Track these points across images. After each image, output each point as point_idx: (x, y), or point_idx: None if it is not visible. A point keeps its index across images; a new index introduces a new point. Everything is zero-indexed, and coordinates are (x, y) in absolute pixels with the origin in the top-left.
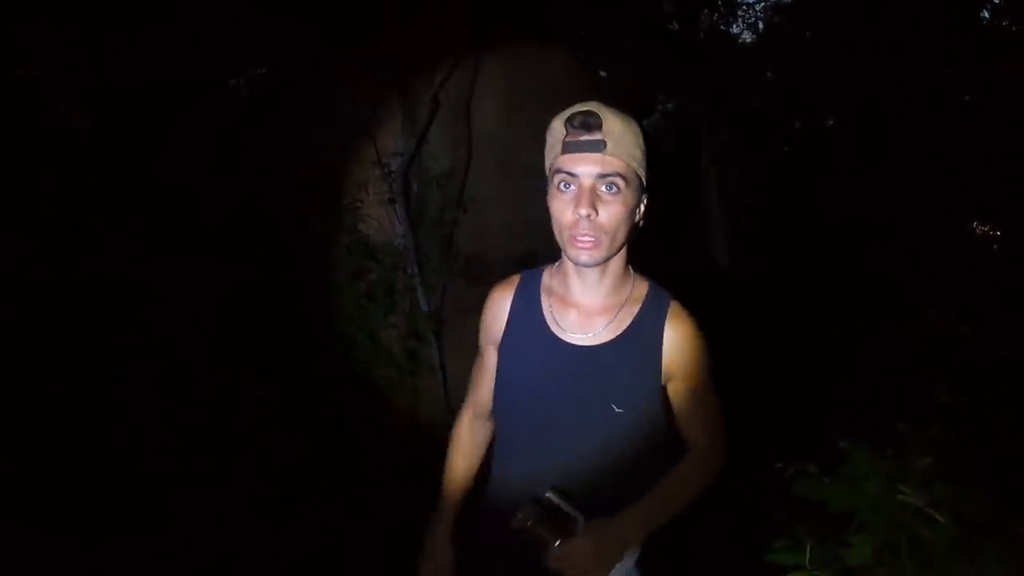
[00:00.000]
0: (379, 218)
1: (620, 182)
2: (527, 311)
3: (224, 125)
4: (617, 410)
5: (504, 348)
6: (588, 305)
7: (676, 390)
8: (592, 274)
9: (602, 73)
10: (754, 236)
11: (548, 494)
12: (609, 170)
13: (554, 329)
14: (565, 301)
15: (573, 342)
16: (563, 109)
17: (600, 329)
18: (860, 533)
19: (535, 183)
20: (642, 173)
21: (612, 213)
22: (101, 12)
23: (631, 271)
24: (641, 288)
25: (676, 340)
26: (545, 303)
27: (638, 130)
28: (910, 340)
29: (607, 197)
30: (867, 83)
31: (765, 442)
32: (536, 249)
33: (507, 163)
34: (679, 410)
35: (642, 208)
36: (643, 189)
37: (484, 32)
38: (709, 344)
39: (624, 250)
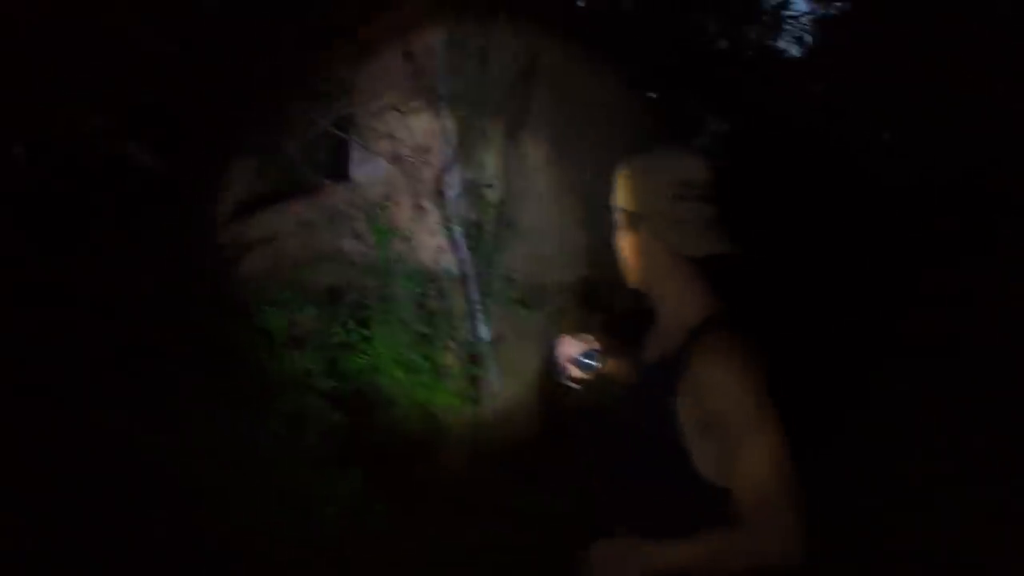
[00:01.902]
0: (438, 245)
1: (619, 221)
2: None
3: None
4: (640, 432)
5: None
6: (655, 329)
7: (714, 437)
8: (655, 301)
9: (651, 95)
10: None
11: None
12: (617, 208)
13: (644, 349)
14: (655, 325)
15: (644, 360)
16: (615, 135)
17: (653, 351)
18: None
19: (590, 210)
20: (629, 208)
21: (622, 247)
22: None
23: (692, 296)
24: (698, 317)
25: (698, 376)
26: (651, 327)
27: (629, 172)
28: None
29: (620, 232)
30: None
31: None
32: (592, 276)
33: (561, 190)
34: (720, 464)
35: (642, 238)
36: (636, 221)
37: (537, 60)
38: (754, 388)
39: (669, 274)
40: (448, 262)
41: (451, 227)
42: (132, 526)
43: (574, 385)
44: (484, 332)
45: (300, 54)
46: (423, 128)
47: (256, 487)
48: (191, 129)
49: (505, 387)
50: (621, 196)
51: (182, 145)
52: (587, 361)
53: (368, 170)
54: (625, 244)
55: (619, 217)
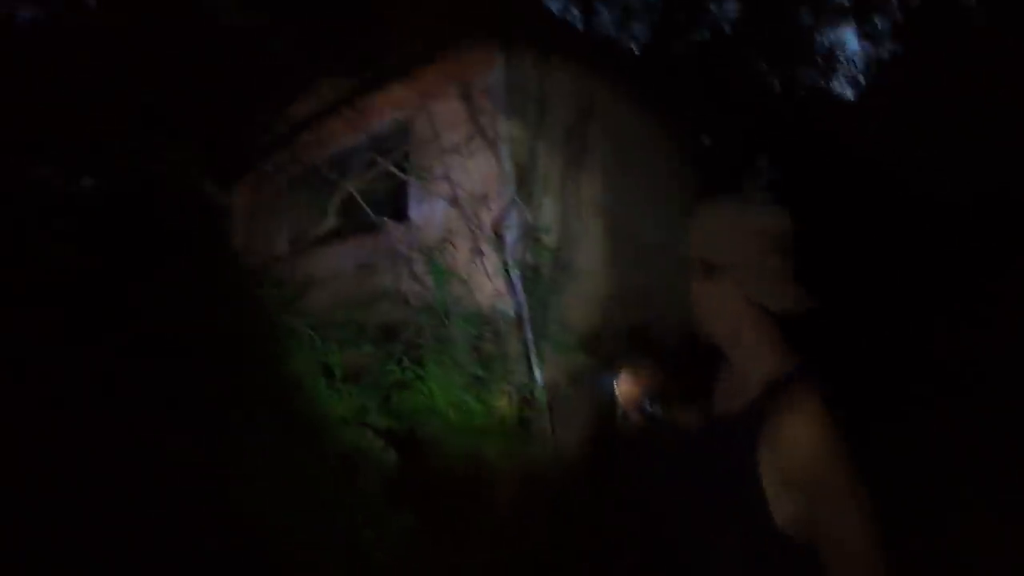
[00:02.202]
0: (494, 288)
1: (692, 271)
2: (715, 386)
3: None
4: (715, 486)
5: None
6: (729, 383)
7: (801, 496)
8: (725, 352)
9: (705, 141)
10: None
11: None
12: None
13: (714, 400)
14: (727, 377)
15: (715, 411)
16: (668, 180)
17: (728, 404)
18: None
19: (645, 255)
20: (709, 258)
21: (697, 296)
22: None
23: (770, 350)
24: (776, 370)
25: (779, 432)
26: (721, 379)
27: (712, 221)
28: None
29: (692, 285)
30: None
31: None
32: (647, 321)
33: (617, 234)
34: (810, 523)
35: (723, 289)
36: (719, 272)
37: (593, 104)
38: (839, 446)
39: (747, 327)
40: (504, 305)
41: (508, 270)
42: (182, 552)
43: (631, 427)
44: (538, 376)
45: (361, 95)
46: (481, 171)
47: (309, 522)
48: (255, 166)
49: (557, 432)
50: (701, 245)
51: (246, 182)
52: (649, 409)
53: (426, 211)
54: (702, 293)
55: (697, 266)
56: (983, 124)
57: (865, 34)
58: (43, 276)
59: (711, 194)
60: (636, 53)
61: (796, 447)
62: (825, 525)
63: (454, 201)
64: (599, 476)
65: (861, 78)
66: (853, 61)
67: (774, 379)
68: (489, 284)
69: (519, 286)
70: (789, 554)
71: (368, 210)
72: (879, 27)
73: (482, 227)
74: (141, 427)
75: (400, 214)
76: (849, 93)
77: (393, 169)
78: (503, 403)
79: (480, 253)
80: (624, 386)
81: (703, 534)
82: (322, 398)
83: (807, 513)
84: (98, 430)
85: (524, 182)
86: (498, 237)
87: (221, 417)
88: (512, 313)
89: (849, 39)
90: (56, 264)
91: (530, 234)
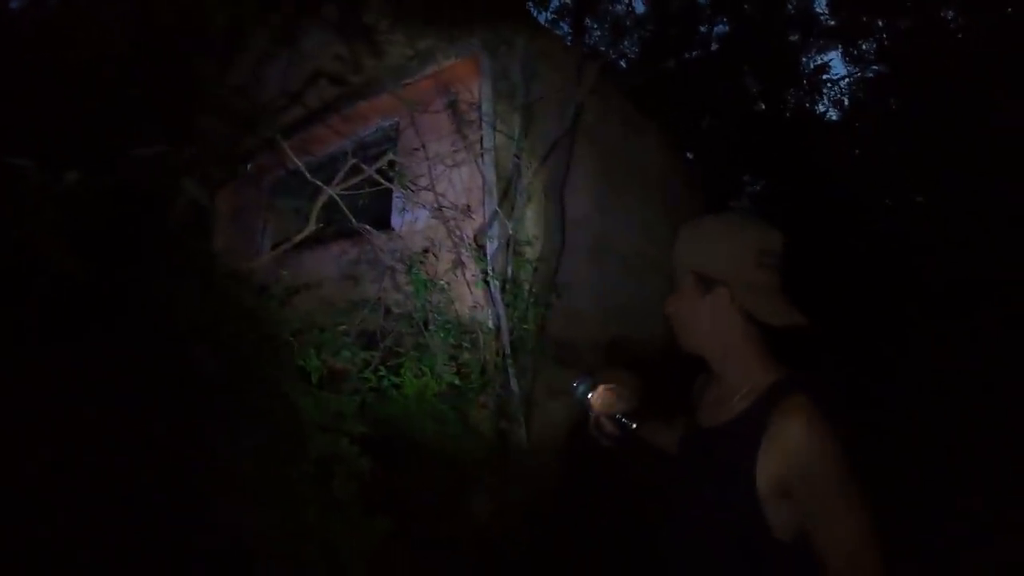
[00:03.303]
0: (474, 299)
1: (680, 283)
2: (697, 395)
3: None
4: (706, 496)
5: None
6: (716, 394)
7: (799, 502)
8: (715, 366)
9: (689, 155)
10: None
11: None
12: (675, 274)
13: (698, 413)
14: (711, 388)
15: (700, 423)
16: (653, 195)
17: (715, 417)
18: None
19: (627, 269)
20: (704, 271)
21: (677, 310)
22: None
23: (759, 362)
24: (767, 381)
25: (779, 439)
26: (706, 389)
27: (707, 234)
28: None
29: (677, 297)
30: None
31: None
32: (627, 335)
33: (600, 248)
34: (808, 526)
35: (715, 302)
36: (707, 285)
37: (580, 117)
38: (838, 450)
39: (737, 339)
40: (484, 316)
41: (489, 281)
42: (156, 553)
43: (605, 441)
44: (516, 387)
45: (345, 103)
46: (465, 181)
47: (281, 525)
48: (238, 167)
49: (534, 443)
50: (696, 257)
51: (227, 182)
52: (624, 421)
53: (409, 220)
54: (689, 306)
55: (687, 279)
56: (965, 145)
57: (851, 56)
58: (20, 270)
59: (697, 209)
60: (625, 68)
61: (796, 453)
62: (825, 529)
63: (437, 210)
64: (575, 488)
65: (846, 100)
66: (838, 83)
67: (767, 389)
68: (469, 294)
69: (499, 297)
70: (784, 560)
71: (350, 217)
72: (865, 50)
73: (464, 237)
74: (116, 427)
75: (383, 222)
76: (833, 114)
77: (377, 176)
78: (480, 413)
79: (461, 263)
80: (599, 398)
81: (697, 544)
82: (299, 403)
83: (805, 518)
84: (73, 429)
85: (507, 193)
86: (479, 248)
87: (198, 419)
88: (491, 324)
89: (835, 62)
90: (34, 259)
91: (511, 245)
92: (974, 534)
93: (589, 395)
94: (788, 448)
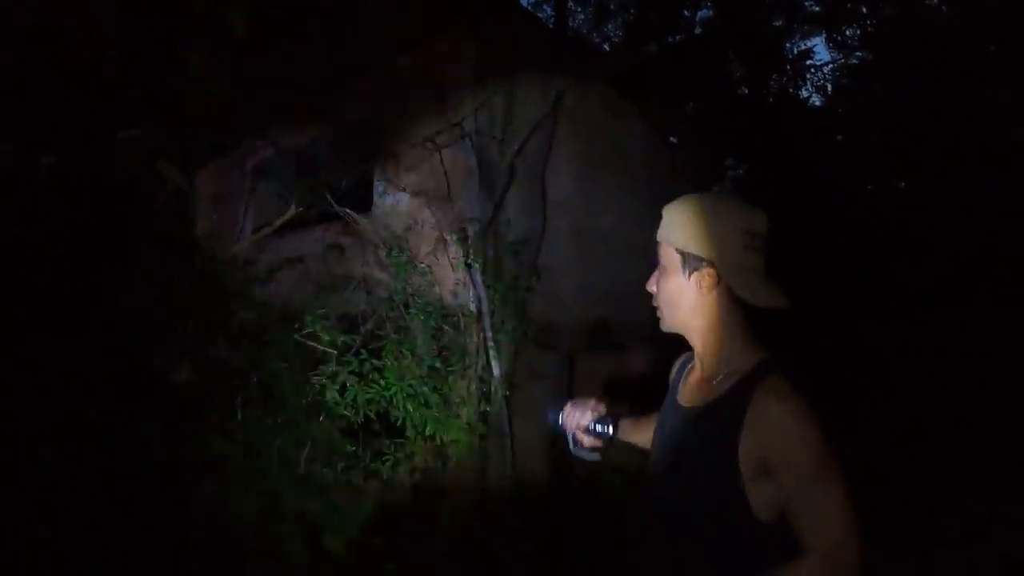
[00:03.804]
0: (455, 281)
1: (664, 261)
2: (676, 378)
3: (306, 183)
4: (687, 477)
5: (660, 412)
6: (698, 375)
7: (780, 480)
8: (696, 346)
9: (672, 139)
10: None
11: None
12: (659, 252)
13: (677, 395)
14: (692, 369)
15: (681, 404)
16: (635, 178)
17: (697, 398)
18: None
19: (608, 251)
20: (693, 250)
21: (660, 289)
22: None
23: (742, 343)
24: (749, 362)
25: (762, 418)
26: (685, 372)
27: (694, 214)
28: None
29: (662, 274)
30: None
31: None
32: (607, 317)
33: (581, 231)
34: (788, 506)
35: (698, 281)
36: (695, 264)
37: (561, 100)
38: (818, 428)
39: (721, 320)
40: (465, 298)
41: (470, 263)
42: (130, 532)
43: (588, 456)
44: (496, 369)
45: (330, 86)
46: (447, 164)
47: (262, 508)
48: (219, 150)
49: (515, 424)
50: (679, 236)
51: (209, 164)
52: (599, 429)
53: (392, 202)
54: (675, 285)
55: (672, 258)
56: (949, 132)
57: (835, 42)
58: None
59: (680, 193)
60: (608, 52)
61: (777, 433)
62: (805, 508)
63: (419, 193)
64: (557, 470)
65: (829, 86)
66: (822, 69)
67: (750, 369)
68: (451, 277)
69: (479, 279)
70: (764, 540)
71: (331, 201)
72: (849, 36)
73: (446, 220)
74: (99, 416)
75: (366, 204)
76: (817, 99)
77: (360, 160)
78: (461, 396)
79: (443, 246)
80: (570, 417)
81: (677, 525)
82: (279, 384)
83: (785, 498)
84: (57, 420)
85: (489, 176)
86: (461, 230)
87: (171, 396)
88: (473, 307)
89: (819, 47)
90: (11, 246)
91: (493, 228)
92: (968, 530)
93: (560, 416)
94: (769, 428)
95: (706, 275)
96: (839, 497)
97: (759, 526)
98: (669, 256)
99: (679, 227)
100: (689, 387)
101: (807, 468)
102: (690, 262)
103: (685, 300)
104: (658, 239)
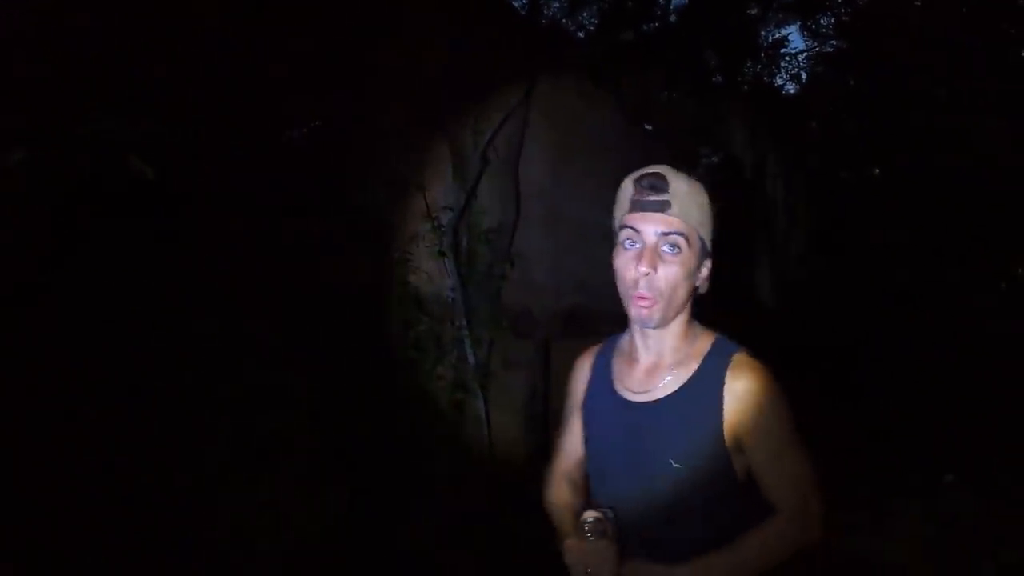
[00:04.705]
0: (429, 271)
1: (682, 242)
2: (603, 373)
3: (277, 178)
4: (675, 465)
5: (585, 412)
6: (651, 363)
7: (752, 448)
8: (653, 333)
9: (647, 127)
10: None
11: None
12: (672, 229)
13: (618, 388)
14: (632, 360)
15: (634, 400)
16: (609, 165)
17: (659, 386)
18: None
19: (582, 239)
20: (705, 236)
21: (670, 273)
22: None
23: (696, 327)
24: (706, 342)
25: (739, 393)
26: (616, 364)
27: (705, 196)
28: None
29: (668, 257)
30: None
31: None
32: (583, 305)
33: (555, 219)
34: (759, 471)
35: (704, 271)
36: (705, 253)
37: (532, 89)
38: (785, 397)
39: (687, 309)
40: (439, 288)
41: (443, 253)
42: (129, 533)
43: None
44: (471, 358)
45: (301, 74)
46: (421, 153)
47: (237, 500)
48: (188, 144)
49: (491, 413)
50: (699, 218)
51: (180, 160)
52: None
53: (364, 192)
54: (686, 272)
55: (693, 238)
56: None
57: (809, 31)
58: None
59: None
60: (583, 39)
61: (754, 405)
62: (777, 471)
63: (392, 182)
64: (533, 457)
65: (804, 74)
66: (796, 57)
67: (708, 351)
68: (424, 267)
69: (453, 269)
70: (746, 499)
71: (306, 191)
72: (823, 24)
73: (418, 210)
74: (89, 416)
75: (339, 195)
76: (791, 87)
77: (331, 150)
78: (437, 385)
79: (417, 235)
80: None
81: (664, 507)
82: (251, 376)
83: (757, 462)
84: (46, 420)
85: (462, 165)
86: (434, 220)
87: (144, 389)
88: (447, 295)
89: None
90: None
91: (467, 217)
92: (963, 527)
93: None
94: (748, 400)
95: (708, 266)
96: (804, 460)
97: (742, 487)
98: (691, 235)
99: (698, 208)
100: (635, 379)
101: (780, 436)
102: (701, 244)
103: (685, 293)
104: (670, 213)
